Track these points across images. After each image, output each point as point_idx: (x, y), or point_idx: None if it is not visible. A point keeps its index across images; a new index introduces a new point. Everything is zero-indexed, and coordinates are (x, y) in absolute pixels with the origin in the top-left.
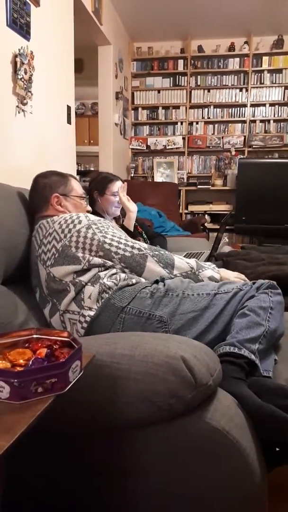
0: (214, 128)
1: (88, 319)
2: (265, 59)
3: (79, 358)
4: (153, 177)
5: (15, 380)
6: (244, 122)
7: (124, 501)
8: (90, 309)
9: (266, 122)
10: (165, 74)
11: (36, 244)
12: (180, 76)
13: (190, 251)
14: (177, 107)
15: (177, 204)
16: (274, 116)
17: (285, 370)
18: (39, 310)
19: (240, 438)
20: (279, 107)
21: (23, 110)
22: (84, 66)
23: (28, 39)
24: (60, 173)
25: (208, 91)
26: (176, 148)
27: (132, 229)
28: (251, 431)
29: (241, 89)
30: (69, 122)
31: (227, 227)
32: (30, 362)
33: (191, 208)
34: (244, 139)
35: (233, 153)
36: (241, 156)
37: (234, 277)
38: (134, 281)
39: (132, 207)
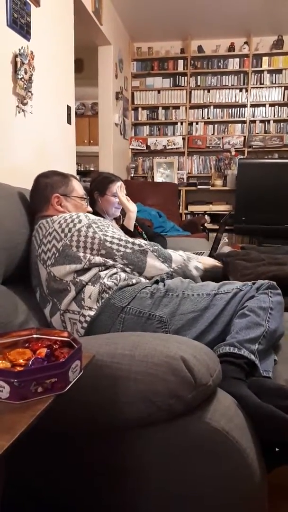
0: (214, 128)
1: (88, 319)
2: (265, 59)
3: (79, 358)
4: (153, 177)
5: (15, 380)
6: (244, 122)
7: (124, 501)
8: (90, 308)
9: (266, 123)
10: (165, 74)
11: (36, 243)
12: (180, 76)
13: (190, 251)
14: (177, 107)
15: (177, 204)
16: (274, 116)
17: (285, 370)
18: (39, 310)
19: (240, 438)
20: (279, 108)
21: (23, 110)
22: (84, 66)
23: (28, 39)
24: (62, 173)
25: (208, 91)
26: (176, 148)
27: (132, 229)
28: (250, 432)
29: (241, 90)
30: (69, 122)
31: (226, 228)
32: (30, 362)
33: (191, 208)
34: (244, 139)
35: (233, 153)
36: (241, 157)
37: (210, 263)
38: (134, 281)
39: (132, 207)
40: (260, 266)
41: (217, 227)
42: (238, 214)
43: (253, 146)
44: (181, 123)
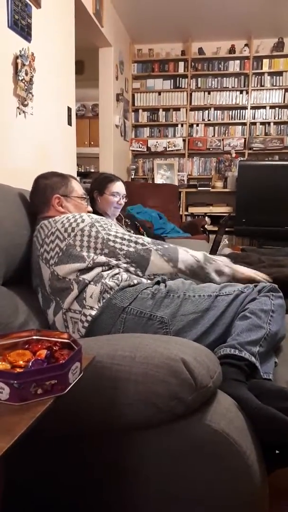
0: (214, 130)
1: (89, 318)
2: (266, 61)
3: (79, 360)
4: (153, 179)
5: (15, 382)
6: (244, 124)
7: (124, 502)
8: (91, 308)
9: (267, 125)
10: (166, 76)
11: (37, 244)
12: (180, 78)
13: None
14: (177, 109)
15: (177, 206)
16: (274, 118)
17: (286, 372)
18: (40, 311)
19: (240, 440)
20: (280, 110)
21: (24, 112)
22: (85, 68)
23: (29, 40)
24: (61, 174)
25: (209, 93)
26: (177, 150)
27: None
28: (251, 433)
29: (241, 92)
30: (69, 123)
31: (227, 229)
32: (30, 364)
33: (191, 210)
34: (245, 141)
35: (233, 155)
36: (241, 158)
37: (253, 274)
38: (135, 281)
39: None
40: (261, 268)
41: (217, 229)
42: (239, 216)
43: (254, 148)
44: (182, 125)
